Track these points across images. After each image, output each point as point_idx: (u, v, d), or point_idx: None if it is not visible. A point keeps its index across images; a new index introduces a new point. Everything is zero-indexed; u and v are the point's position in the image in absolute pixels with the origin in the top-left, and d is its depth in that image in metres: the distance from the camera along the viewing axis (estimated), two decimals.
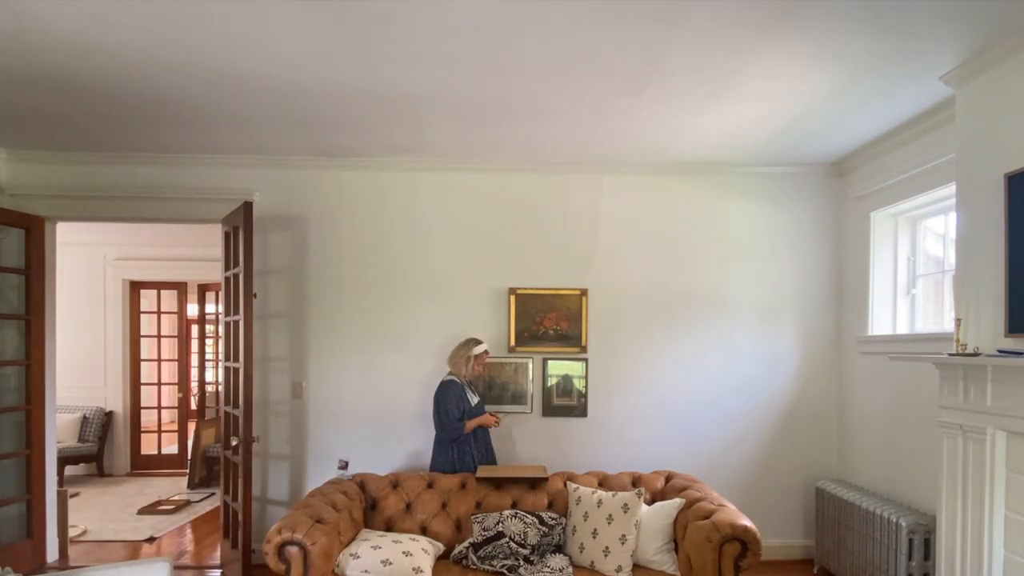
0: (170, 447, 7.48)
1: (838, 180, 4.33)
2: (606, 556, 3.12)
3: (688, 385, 4.32)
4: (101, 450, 6.83)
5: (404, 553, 3.04)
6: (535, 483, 3.60)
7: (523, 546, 3.22)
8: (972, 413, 2.62)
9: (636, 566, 3.14)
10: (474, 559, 3.19)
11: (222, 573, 4.13)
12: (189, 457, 6.54)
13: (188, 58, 2.75)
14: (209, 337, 7.70)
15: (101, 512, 5.46)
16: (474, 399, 3.92)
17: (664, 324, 4.32)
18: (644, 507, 3.26)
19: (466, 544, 3.27)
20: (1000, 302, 2.56)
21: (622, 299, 4.32)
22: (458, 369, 3.90)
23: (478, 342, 3.96)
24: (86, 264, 6.90)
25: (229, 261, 4.11)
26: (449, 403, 3.75)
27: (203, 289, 7.47)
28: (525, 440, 4.29)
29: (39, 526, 4.10)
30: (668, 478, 3.65)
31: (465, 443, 3.82)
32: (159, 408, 7.56)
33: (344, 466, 3.75)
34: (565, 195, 4.32)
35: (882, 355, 3.78)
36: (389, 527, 3.46)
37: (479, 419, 3.87)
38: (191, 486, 6.34)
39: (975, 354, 2.57)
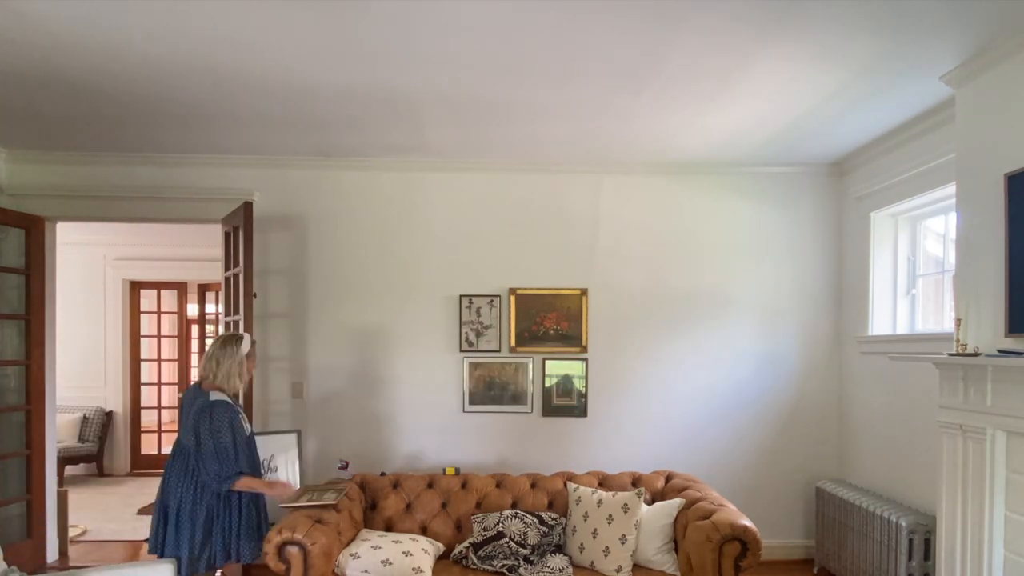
0: (170, 447, 7.46)
1: (838, 180, 4.33)
2: (606, 556, 3.12)
3: (688, 385, 4.33)
4: (101, 450, 6.83)
5: (404, 553, 3.04)
6: (537, 483, 3.59)
7: (523, 546, 3.22)
8: (972, 413, 2.62)
9: (636, 566, 3.14)
10: (474, 559, 3.19)
11: (222, 573, 4.13)
12: None
13: (188, 58, 2.75)
14: (209, 337, 7.69)
15: (101, 512, 5.46)
16: (247, 427, 2.91)
17: (664, 324, 4.32)
18: (644, 507, 3.26)
19: (466, 544, 3.27)
20: (1000, 302, 2.56)
21: (622, 299, 4.32)
22: (228, 382, 2.81)
23: (241, 334, 2.95)
24: (86, 264, 6.90)
25: (229, 261, 4.11)
26: (224, 433, 2.68)
27: (203, 289, 7.47)
28: (525, 440, 4.28)
29: (39, 526, 4.10)
30: (668, 478, 3.65)
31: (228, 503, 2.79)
32: (159, 408, 7.55)
33: (344, 466, 3.75)
34: (565, 195, 4.32)
35: (882, 355, 3.78)
36: (389, 527, 3.46)
37: (262, 484, 2.80)
38: None
39: (975, 354, 2.57)
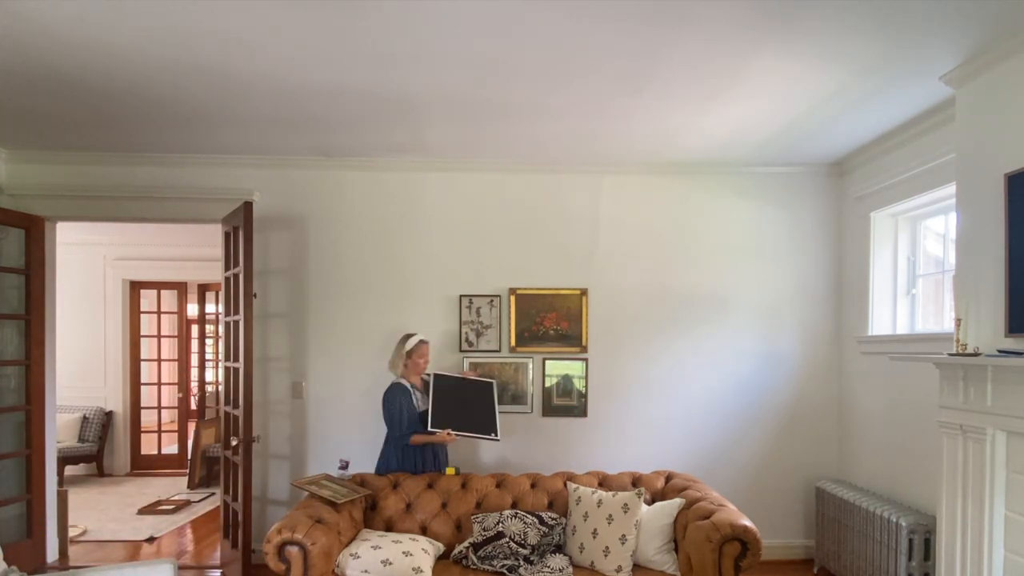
0: (170, 447, 7.49)
1: (838, 180, 4.33)
2: (606, 556, 3.12)
3: (688, 385, 4.33)
4: (101, 450, 6.83)
5: (404, 553, 3.04)
6: (537, 483, 3.59)
7: (523, 546, 3.22)
8: (972, 413, 2.62)
9: (636, 566, 3.14)
10: (474, 559, 3.19)
11: (222, 573, 4.13)
12: (189, 457, 6.55)
13: (188, 58, 2.75)
14: (209, 337, 7.70)
15: (101, 512, 5.46)
16: (423, 404, 3.74)
17: (664, 324, 4.32)
18: (644, 507, 3.25)
19: (466, 544, 3.27)
20: (1000, 302, 2.56)
21: (622, 299, 4.32)
22: (396, 370, 3.75)
23: (411, 335, 3.79)
24: (86, 264, 6.90)
25: (229, 261, 4.11)
26: (392, 407, 3.62)
27: (203, 289, 7.47)
28: (525, 440, 4.29)
29: (39, 526, 4.10)
30: (668, 478, 3.65)
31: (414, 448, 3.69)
32: (159, 408, 7.56)
33: (344, 466, 3.74)
34: (565, 195, 4.32)
35: (882, 355, 3.78)
36: (389, 527, 3.45)
37: (427, 437, 3.64)
38: (191, 486, 6.34)
39: (975, 354, 2.57)
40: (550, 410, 4.30)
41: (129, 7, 2.34)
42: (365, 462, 4.12)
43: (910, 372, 3.55)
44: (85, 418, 6.73)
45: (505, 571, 3.10)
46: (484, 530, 3.28)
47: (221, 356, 5.28)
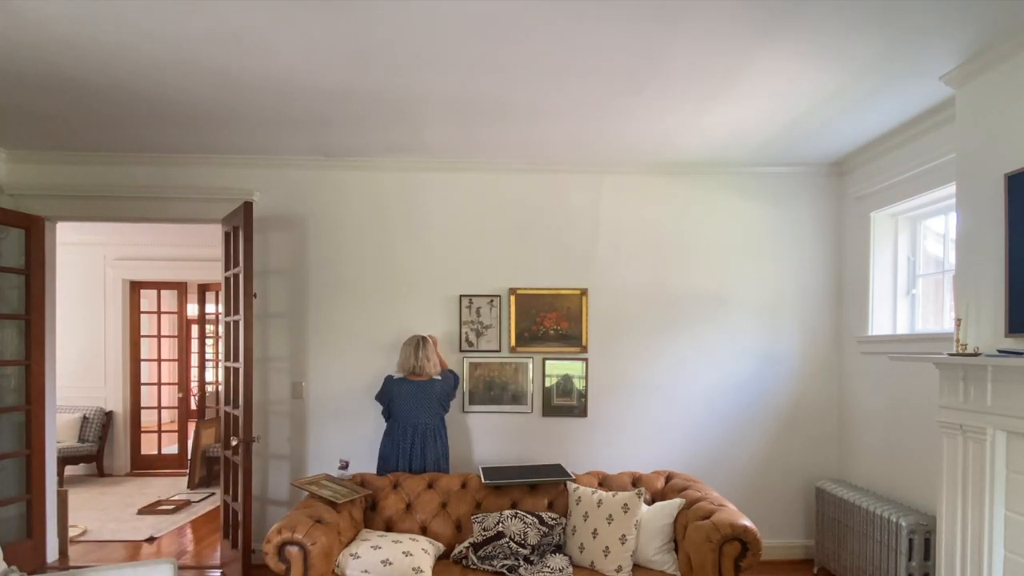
0: (170, 447, 7.49)
1: (838, 180, 4.33)
2: (606, 556, 3.12)
3: (688, 385, 4.33)
4: (101, 450, 6.83)
5: (404, 553, 3.04)
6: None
7: (523, 546, 3.22)
8: (972, 413, 2.62)
9: (636, 566, 3.14)
10: (474, 559, 3.19)
11: (222, 573, 4.13)
12: (189, 457, 6.55)
13: (188, 58, 2.75)
14: (209, 337, 7.70)
15: (101, 512, 5.46)
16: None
17: (664, 324, 4.33)
18: (644, 507, 3.26)
19: (466, 544, 3.27)
20: (1000, 302, 2.57)
21: (622, 299, 4.32)
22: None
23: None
24: (86, 264, 6.90)
25: (229, 261, 4.11)
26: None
27: (203, 289, 7.47)
28: (525, 440, 4.28)
29: (39, 526, 4.10)
30: (668, 478, 3.65)
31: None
32: (159, 408, 7.56)
33: (344, 466, 3.75)
34: (565, 195, 4.33)
35: (882, 355, 3.78)
36: (389, 527, 3.46)
37: None
38: (191, 486, 6.34)
39: (975, 354, 2.57)
40: (550, 410, 4.30)
41: (129, 7, 2.34)
42: (365, 462, 4.13)
43: (910, 372, 3.55)
44: (85, 418, 6.73)
45: (505, 571, 3.10)
46: (484, 530, 3.28)
47: (221, 356, 5.28)
